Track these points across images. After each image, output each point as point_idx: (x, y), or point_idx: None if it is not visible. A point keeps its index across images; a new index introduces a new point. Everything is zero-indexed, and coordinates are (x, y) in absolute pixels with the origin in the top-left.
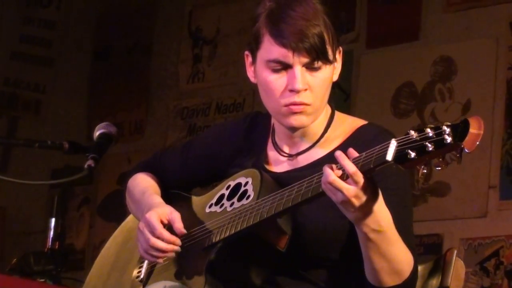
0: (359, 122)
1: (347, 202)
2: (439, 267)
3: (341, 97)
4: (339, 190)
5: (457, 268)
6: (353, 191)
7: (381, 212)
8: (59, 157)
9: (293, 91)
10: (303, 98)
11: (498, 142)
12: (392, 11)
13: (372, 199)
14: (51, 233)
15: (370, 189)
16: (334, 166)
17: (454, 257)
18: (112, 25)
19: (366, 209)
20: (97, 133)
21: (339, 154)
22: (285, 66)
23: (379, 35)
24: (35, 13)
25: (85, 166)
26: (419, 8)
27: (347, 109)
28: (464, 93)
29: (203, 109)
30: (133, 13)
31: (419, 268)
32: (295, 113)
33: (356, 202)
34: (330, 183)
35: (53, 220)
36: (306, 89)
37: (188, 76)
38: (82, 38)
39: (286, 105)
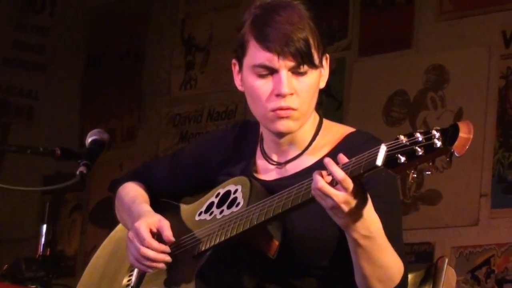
0: (347, 130)
1: (336, 208)
2: (430, 275)
3: (333, 105)
4: (328, 196)
5: (448, 277)
6: (342, 197)
7: (371, 217)
8: (51, 163)
9: (279, 95)
10: (290, 103)
11: (489, 150)
12: (385, 19)
13: (361, 205)
14: (43, 239)
15: (360, 195)
16: (323, 172)
17: (445, 265)
18: (105, 31)
19: (356, 215)
20: (89, 140)
21: (328, 160)
22: (271, 71)
23: (372, 43)
24: (28, 19)
25: (77, 172)
26: (412, 17)
27: (339, 117)
28: (456, 101)
29: (195, 116)
30: (126, 20)
31: (411, 276)
32: (282, 118)
33: (346, 208)
34: (319, 189)
35: (44, 226)
36: (292, 94)
37: (180, 83)
38: (75, 45)
39: (273, 110)
